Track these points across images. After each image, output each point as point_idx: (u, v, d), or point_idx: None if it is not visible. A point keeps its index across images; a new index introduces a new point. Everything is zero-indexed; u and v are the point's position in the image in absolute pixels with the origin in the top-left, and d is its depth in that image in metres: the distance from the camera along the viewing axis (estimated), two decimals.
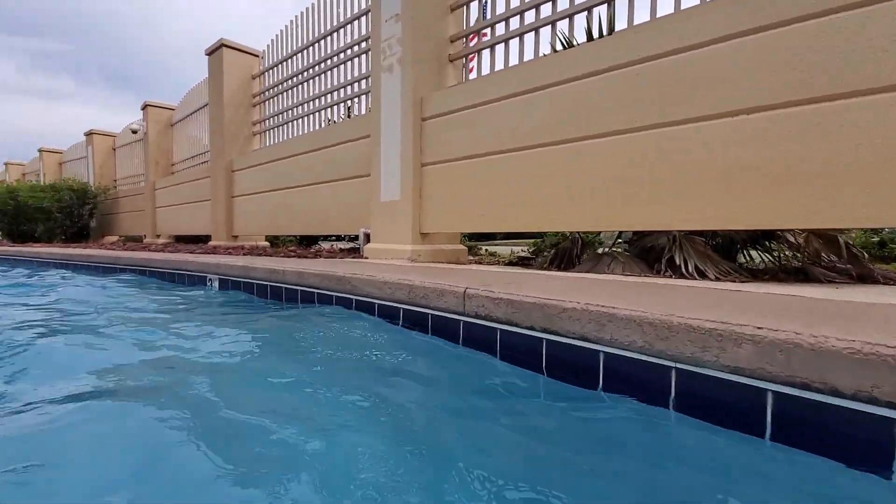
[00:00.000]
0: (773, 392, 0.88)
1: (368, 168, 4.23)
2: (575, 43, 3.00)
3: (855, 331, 0.86)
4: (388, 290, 1.91)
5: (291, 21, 5.61)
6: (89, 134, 11.20)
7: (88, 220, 10.42)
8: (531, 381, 1.29)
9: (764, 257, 2.79)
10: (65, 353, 1.69)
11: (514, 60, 3.29)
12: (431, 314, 1.70)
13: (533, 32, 3.15)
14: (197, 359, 1.60)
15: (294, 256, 4.21)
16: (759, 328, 0.89)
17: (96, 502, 0.77)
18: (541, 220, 2.89)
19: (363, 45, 4.64)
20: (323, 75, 5.23)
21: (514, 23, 3.28)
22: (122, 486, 0.81)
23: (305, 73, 5.47)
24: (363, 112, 4.74)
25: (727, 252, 2.81)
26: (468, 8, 3.65)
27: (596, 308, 1.14)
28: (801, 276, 2.34)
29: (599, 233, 3.76)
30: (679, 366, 1.00)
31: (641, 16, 2.55)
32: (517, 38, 3.25)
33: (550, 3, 3.03)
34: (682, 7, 2.41)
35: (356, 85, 4.79)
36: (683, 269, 2.34)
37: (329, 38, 5.08)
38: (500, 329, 1.42)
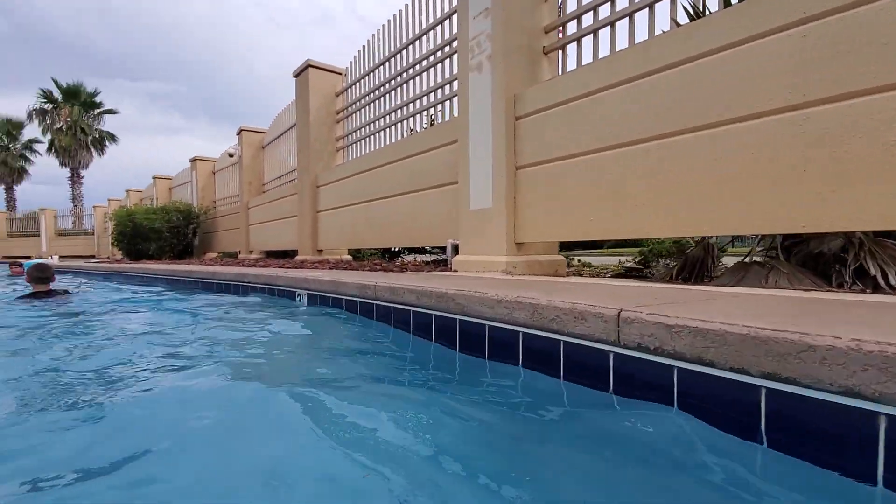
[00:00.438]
0: None
1: (455, 176, 3.98)
2: (707, 12, 2.53)
3: None
4: (502, 310, 1.59)
5: (373, 35, 5.60)
6: (193, 160, 12.22)
7: (192, 238, 11.28)
8: (747, 454, 0.89)
9: None
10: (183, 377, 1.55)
11: (622, 45, 2.88)
12: (564, 342, 1.35)
13: (647, 9, 2.72)
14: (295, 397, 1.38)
15: (379, 270, 4.05)
16: None
17: None
18: (665, 224, 2.43)
19: (446, 49, 4.45)
20: (405, 85, 5.12)
21: (622, 1, 2.87)
22: None
23: (387, 85, 5.40)
24: (446, 120, 4.52)
25: None
26: None
27: (876, 347, 0.73)
28: None
29: (703, 238, 3.19)
30: None
31: None
32: (626, 19, 2.84)
33: None
34: None
35: (439, 91, 4.60)
36: (882, 282, 1.79)
37: (410, 46, 4.96)
38: (681, 369, 1.03)
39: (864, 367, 0.73)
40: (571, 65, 3.28)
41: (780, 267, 2.08)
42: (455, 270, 3.67)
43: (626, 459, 0.93)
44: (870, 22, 1.72)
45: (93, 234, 19.85)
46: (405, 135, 5.19)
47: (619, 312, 1.18)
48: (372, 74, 5.69)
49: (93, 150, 23.90)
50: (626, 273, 3.49)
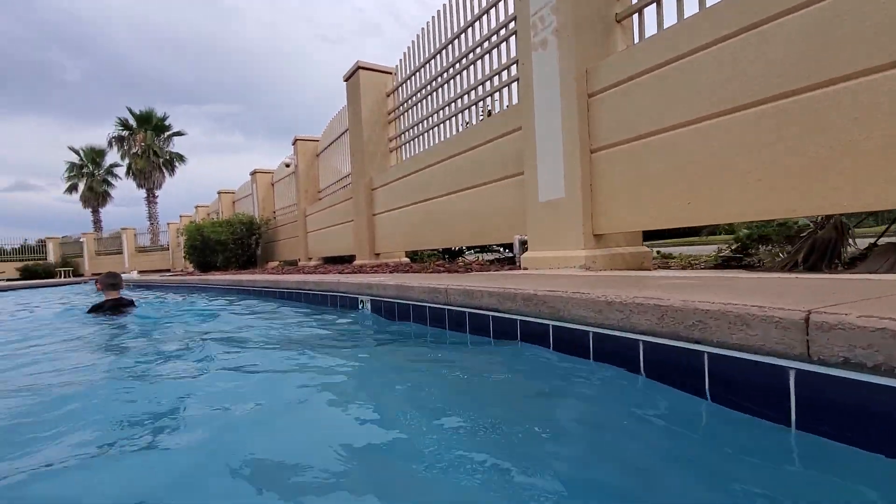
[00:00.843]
0: None
1: (519, 166, 3.69)
2: None
3: None
4: (614, 314, 1.29)
5: (422, 29, 5.41)
6: (253, 173, 12.67)
7: (255, 248, 11.68)
8: None
9: None
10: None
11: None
12: (710, 354, 1.04)
13: None
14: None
15: (443, 271, 3.83)
16: None
17: None
18: (785, 201, 2.01)
19: (501, 32, 4.16)
20: (457, 77, 4.88)
21: None
22: None
23: (439, 79, 5.19)
24: (506, 108, 4.23)
25: None
26: None
27: None
28: None
29: (826, 218, 2.68)
30: None
31: None
32: None
33: None
34: None
35: (496, 79, 4.32)
36: None
37: (462, 35, 4.72)
38: None
39: None
40: (650, 30, 2.89)
41: None
42: (525, 268, 3.37)
43: None
44: None
45: (167, 248, 21.24)
46: (460, 129, 4.95)
47: (808, 315, 0.85)
48: (422, 70, 5.50)
49: (164, 170, 25.63)
50: (725, 263, 3.03)
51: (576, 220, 2.98)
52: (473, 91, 4.63)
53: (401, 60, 5.99)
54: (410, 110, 5.87)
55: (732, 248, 3.46)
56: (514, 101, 4.06)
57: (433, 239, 5.25)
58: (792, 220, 3.04)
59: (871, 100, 1.74)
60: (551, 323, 1.57)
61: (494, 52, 4.29)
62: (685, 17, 2.55)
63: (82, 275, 20.92)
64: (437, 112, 5.25)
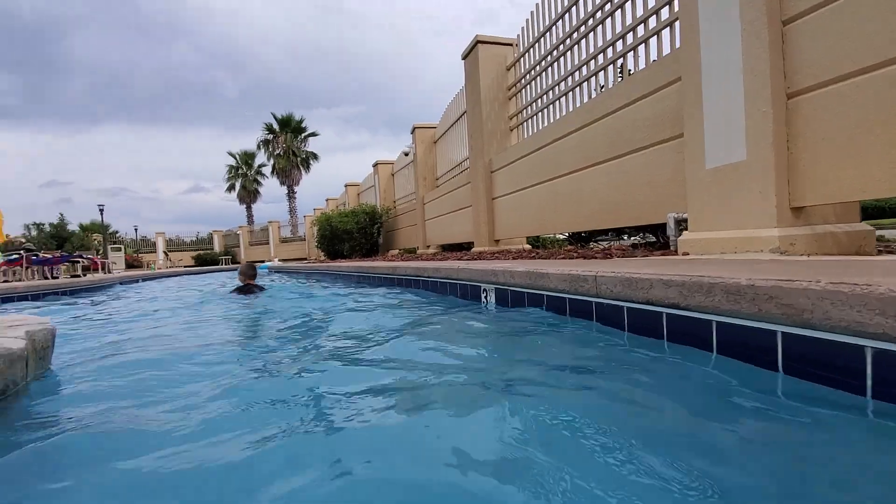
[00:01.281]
0: None
1: (674, 128, 3.01)
2: None
3: None
4: None
5: None
6: (375, 164, 13.17)
7: (377, 237, 12.13)
8: None
9: None
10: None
11: None
12: None
13: None
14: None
15: (577, 257, 3.31)
16: None
17: None
18: None
19: None
20: (590, 35, 4.24)
21: None
22: None
23: (567, 41, 4.59)
24: (652, 63, 3.52)
25: None
26: None
27: None
28: None
29: None
30: None
31: None
32: None
33: None
34: None
35: (640, 29, 3.62)
36: None
37: None
38: None
39: None
40: None
41: None
42: (685, 253, 2.72)
43: None
44: None
45: (304, 239, 23.44)
46: (593, 95, 4.31)
47: None
48: (548, 34, 4.93)
49: (301, 168, 28.31)
50: None
51: (764, 189, 2.26)
52: (611, 47, 3.96)
53: (523, 28, 5.48)
54: (533, 82, 5.34)
55: None
56: (665, 52, 3.35)
57: (558, 222, 4.71)
58: None
59: None
60: (782, 330, 1.03)
61: None
62: None
63: (238, 262, 24.09)
64: (565, 79, 4.66)
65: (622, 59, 3.90)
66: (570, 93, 4.58)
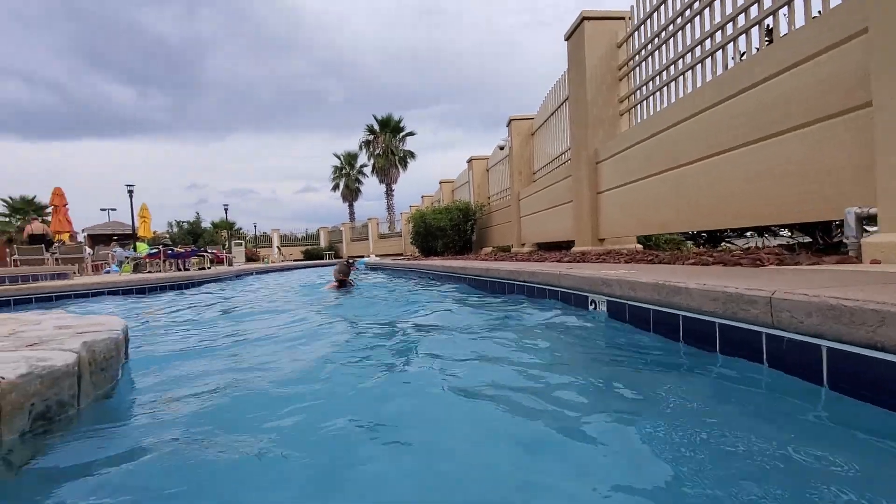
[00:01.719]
0: None
1: (849, 97, 2.29)
2: None
3: None
4: None
5: None
6: (469, 160, 12.95)
7: (470, 234, 11.91)
8: None
9: None
10: None
11: None
12: None
13: None
14: None
15: (712, 263, 2.69)
16: None
17: None
18: None
19: None
20: None
21: None
22: None
23: (695, 5, 3.87)
24: (816, 15, 2.76)
25: None
26: None
27: None
28: None
29: None
30: None
31: None
32: None
33: None
34: None
35: None
36: None
37: None
38: None
39: None
40: None
41: None
42: (875, 261, 2.02)
43: None
44: None
45: (401, 235, 24.11)
46: (729, 66, 3.57)
47: None
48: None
49: (399, 167, 29.23)
50: None
51: None
52: (756, 4, 3.22)
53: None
54: (650, 57, 4.64)
55: None
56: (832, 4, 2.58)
57: (677, 219, 4.02)
58: None
59: None
60: None
61: None
62: None
63: (340, 257, 25.54)
64: (692, 49, 3.95)
65: (770, 16, 3.14)
66: (699, 65, 3.86)
